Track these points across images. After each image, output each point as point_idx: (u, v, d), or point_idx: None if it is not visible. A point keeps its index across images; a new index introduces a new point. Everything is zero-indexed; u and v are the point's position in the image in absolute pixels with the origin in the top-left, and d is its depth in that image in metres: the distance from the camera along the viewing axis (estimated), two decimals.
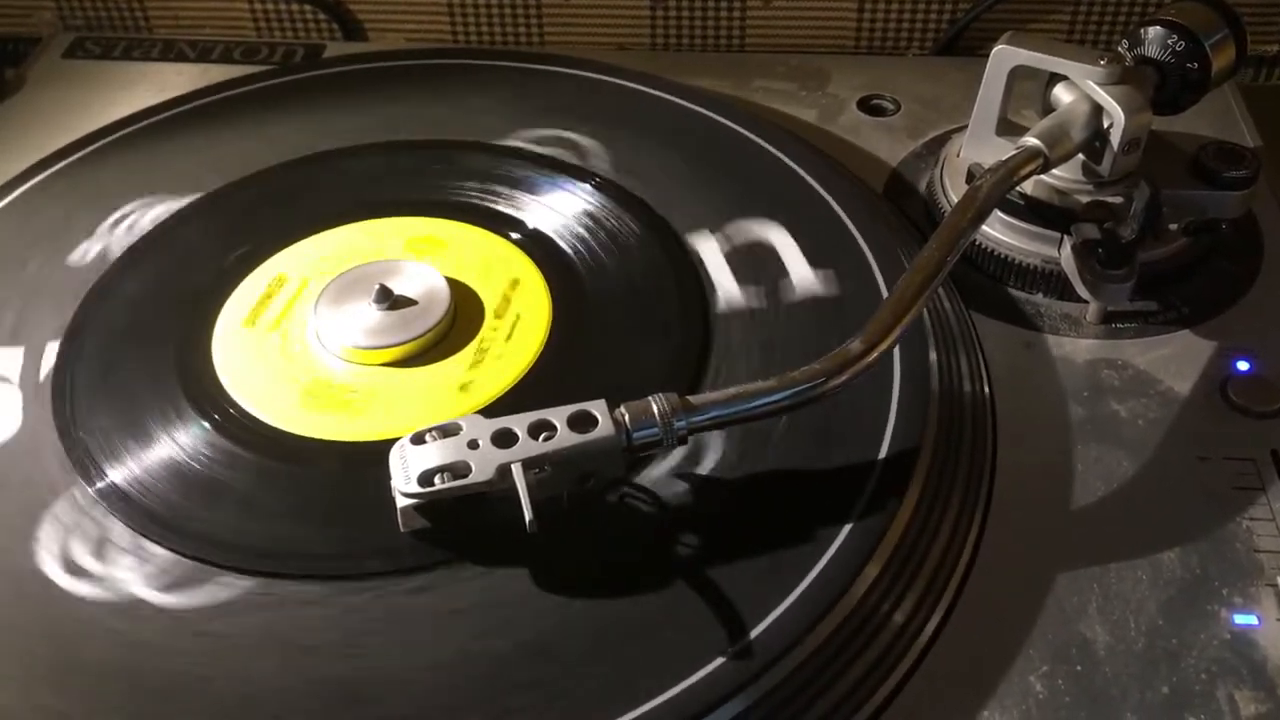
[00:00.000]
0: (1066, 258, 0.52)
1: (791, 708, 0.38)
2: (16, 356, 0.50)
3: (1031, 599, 0.43)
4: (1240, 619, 0.42)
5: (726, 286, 0.52)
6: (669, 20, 0.74)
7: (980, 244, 0.55)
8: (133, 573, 0.41)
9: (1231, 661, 0.41)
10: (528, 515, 0.38)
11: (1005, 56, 0.54)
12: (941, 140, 0.63)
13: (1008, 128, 0.56)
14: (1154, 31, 0.54)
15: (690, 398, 0.41)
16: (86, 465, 0.45)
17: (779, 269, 0.52)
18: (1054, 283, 0.54)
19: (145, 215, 0.56)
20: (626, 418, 0.40)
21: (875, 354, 0.42)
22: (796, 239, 0.54)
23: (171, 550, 0.42)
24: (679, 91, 0.63)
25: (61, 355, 0.49)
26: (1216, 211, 0.55)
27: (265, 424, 0.47)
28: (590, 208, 0.56)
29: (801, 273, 0.52)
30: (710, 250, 0.54)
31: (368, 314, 0.49)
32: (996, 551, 0.44)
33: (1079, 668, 0.41)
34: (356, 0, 0.75)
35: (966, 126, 0.57)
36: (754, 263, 0.53)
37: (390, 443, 0.41)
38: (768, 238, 0.54)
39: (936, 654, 0.41)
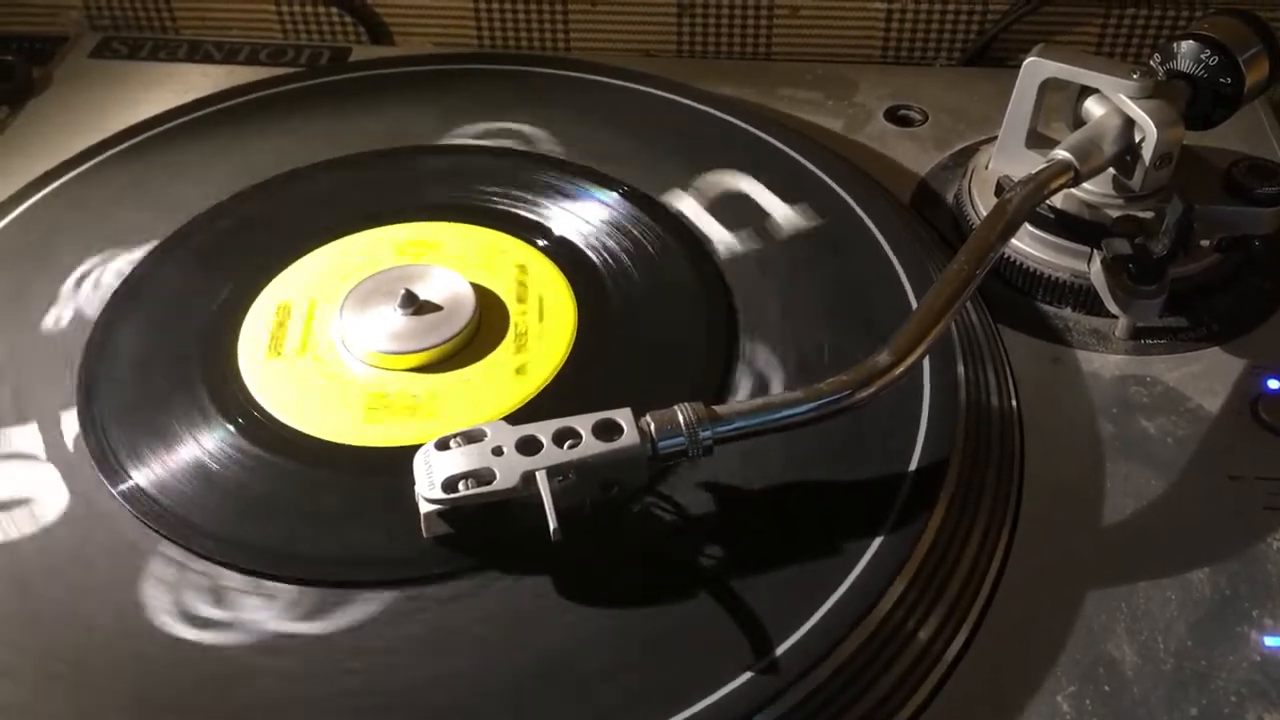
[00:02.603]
0: (1096, 272, 0.52)
1: None
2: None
3: (1059, 618, 0.42)
4: (1271, 641, 0.42)
5: (752, 294, 0.52)
6: (695, 27, 0.74)
7: (1009, 257, 0.55)
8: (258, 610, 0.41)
9: (1262, 684, 0.40)
10: (552, 523, 0.38)
11: (1037, 68, 0.53)
12: (970, 151, 0.63)
13: (1038, 140, 0.55)
14: (1187, 46, 0.54)
15: (716, 407, 0.41)
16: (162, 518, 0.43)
17: (804, 277, 0.52)
18: (1083, 297, 0.54)
19: (167, 216, 0.56)
20: (652, 427, 0.40)
21: (903, 367, 0.42)
22: (824, 250, 0.53)
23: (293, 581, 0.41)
24: (704, 99, 0.63)
25: (82, 371, 0.49)
26: (1248, 228, 0.54)
27: (290, 427, 0.46)
28: (617, 216, 0.56)
29: (824, 281, 0.52)
30: (733, 252, 0.54)
31: (393, 319, 0.49)
32: (1023, 569, 0.44)
33: (1107, 688, 0.40)
34: (383, 3, 0.75)
35: (995, 138, 0.57)
36: (778, 266, 0.53)
37: (412, 449, 0.41)
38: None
39: (962, 672, 0.41)
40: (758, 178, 0.58)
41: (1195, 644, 0.42)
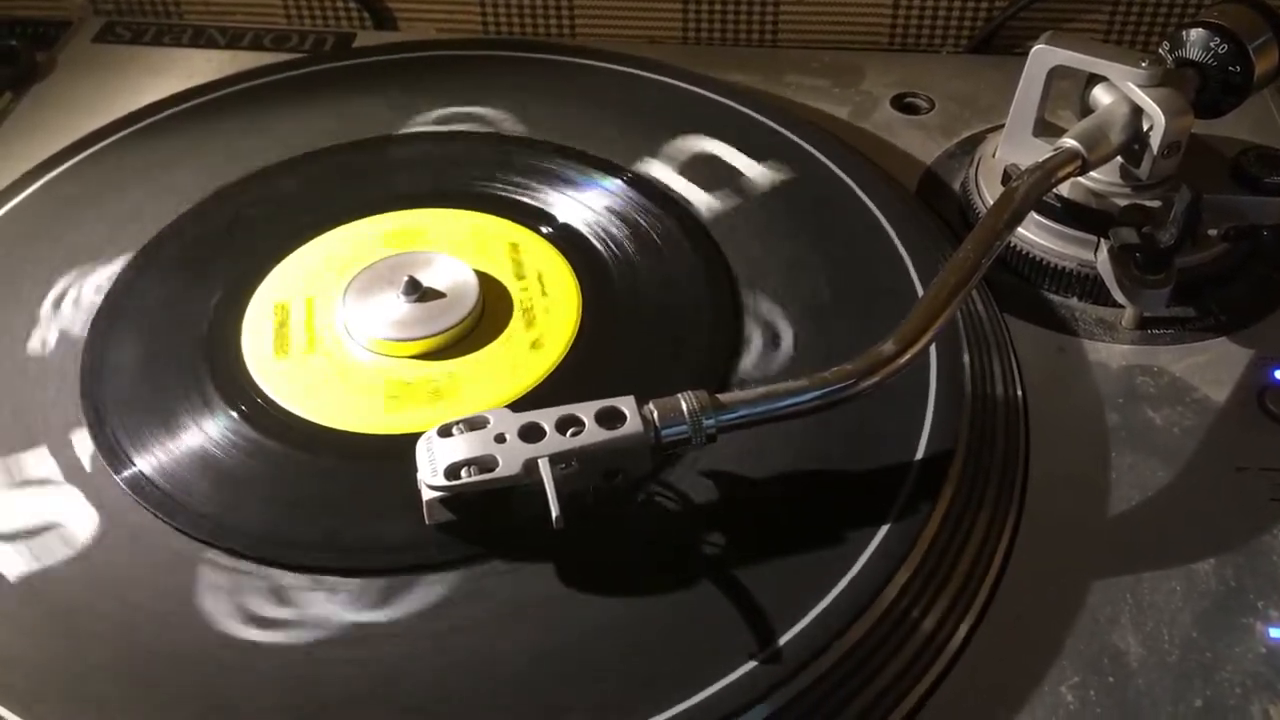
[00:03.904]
0: (1103, 261, 0.52)
1: (817, 714, 0.37)
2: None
3: (1063, 608, 0.42)
4: (1276, 633, 0.41)
5: (759, 284, 0.51)
6: (701, 13, 0.74)
7: (1015, 246, 0.55)
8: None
9: (1266, 676, 0.40)
10: (554, 511, 0.38)
11: (1045, 56, 0.53)
12: (976, 140, 0.62)
13: (1045, 128, 0.55)
14: (1196, 34, 0.53)
15: (720, 396, 0.40)
16: (204, 525, 0.42)
17: (810, 265, 0.52)
18: (1089, 286, 0.53)
19: (172, 202, 0.56)
20: (655, 415, 0.40)
21: (908, 355, 0.41)
22: (830, 238, 0.53)
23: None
24: (712, 86, 0.62)
25: (86, 356, 0.49)
26: (1257, 217, 0.54)
27: (293, 414, 0.46)
28: (619, 202, 0.56)
29: (829, 269, 0.51)
30: (740, 241, 0.53)
31: (397, 307, 0.49)
32: (1028, 559, 0.44)
33: (1111, 679, 0.40)
34: None
35: (1002, 126, 0.57)
36: (785, 256, 0.52)
37: (414, 436, 0.41)
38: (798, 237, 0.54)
39: (966, 663, 0.41)
40: (762, 165, 0.57)
41: (1200, 635, 0.41)
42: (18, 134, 0.64)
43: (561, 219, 0.55)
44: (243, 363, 0.48)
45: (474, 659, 0.38)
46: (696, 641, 0.38)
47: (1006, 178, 0.55)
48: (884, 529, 0.41)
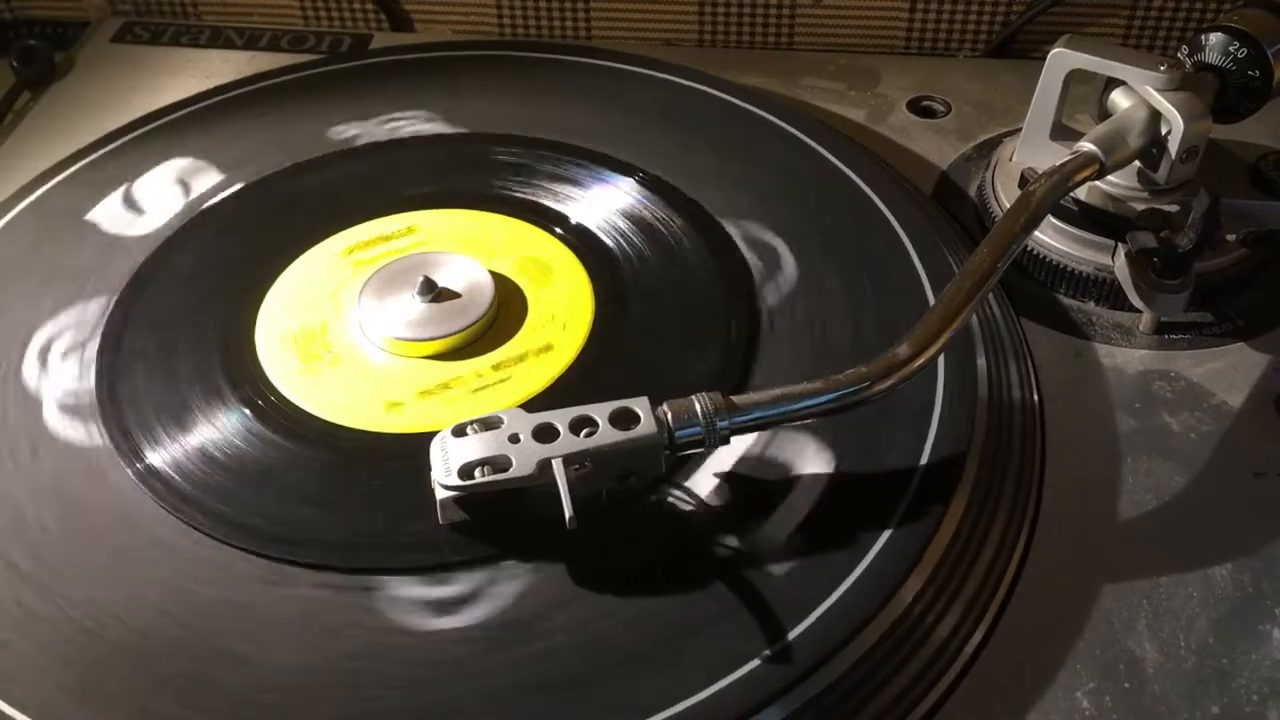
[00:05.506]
0: (1120, 266, 0.51)
1: (831, 719, 0.37)
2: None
3: (1079, 613, 0.42)
4: None
5: (771, 284, 0.51)
6: (717, 16, 0.74)
7: (1032, 250, 0.55)
8: None
9: None
10: (568, 512, 0.38)
11: (1063, 60, 0.53)
12: (993, 143, 0.62)
13: (1063, 132, 0.55)
14: (1216, 38, 0.53)
15: (734, 397, 0.40)
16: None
17: (824, 268, 0.52)
18: (1106, 291, 0.53)
19: (187, 202, 0.56)
20: (669, 416, 0.40)
21: (923, 359, 0.41)
22: (844, 241, 0.53)
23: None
24: (727, 88, 0.62)
25: (102, 351, 0.49)
26: (1275, 223, 0.54)
27: (307, 413, 0.46)
28: (634, 203, 0.56)
29: (844, 273, 0.51)
30: (752, 240, 0.53)
31: (412, 307, 0.49)
32: (1044, 564, 0.44)
33: (1127, 685, 0.40)
34: None
35: (1019, 130, 0.57)
36: (798, 255, 0.52)
37: (429, 435, 0.41)
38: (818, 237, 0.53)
39: (981, 668, 0.41)
40: (777, 167, 0.57)
41: (1217, 641, 0.41)
42: (36, 133, 0.64)
43: (575, 220, 0.55)
44: (257, 361, 0.48)
45: (485, 657, 0.38)
46: (708, 642, 0.38)
47: (1024, 181, 0.54)
48: (897, 532, 0.41)
